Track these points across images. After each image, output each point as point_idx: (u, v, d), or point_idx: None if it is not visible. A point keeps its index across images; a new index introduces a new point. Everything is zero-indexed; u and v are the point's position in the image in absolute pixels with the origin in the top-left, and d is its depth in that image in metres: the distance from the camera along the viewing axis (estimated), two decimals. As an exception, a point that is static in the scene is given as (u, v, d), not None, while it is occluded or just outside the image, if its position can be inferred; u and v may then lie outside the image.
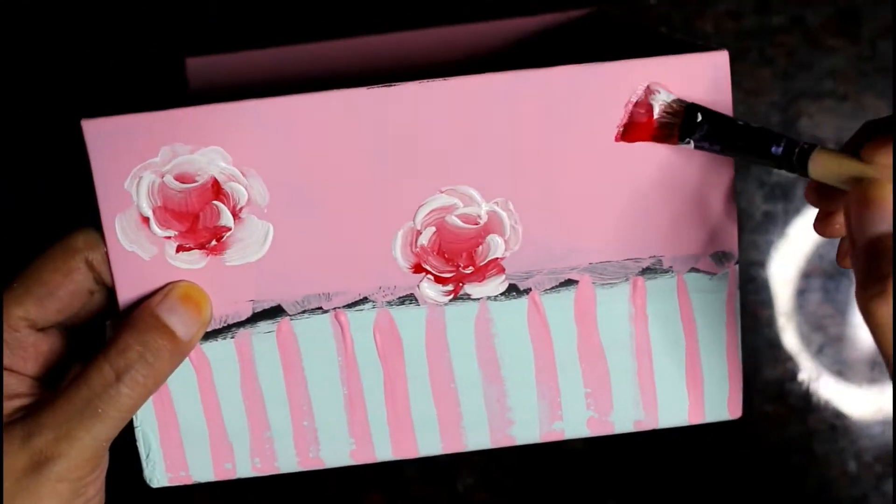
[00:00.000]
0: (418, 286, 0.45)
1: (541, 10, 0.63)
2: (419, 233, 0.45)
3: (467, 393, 0.46)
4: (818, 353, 0.66)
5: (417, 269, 0.45)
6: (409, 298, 0.45)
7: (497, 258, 0.45)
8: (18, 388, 0.44)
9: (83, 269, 0.44)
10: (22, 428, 0.42)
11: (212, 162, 0.43)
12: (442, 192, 0.44)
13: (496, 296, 0.46)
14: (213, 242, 0.44)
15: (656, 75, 0.44)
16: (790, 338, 0.66)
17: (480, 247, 0.45)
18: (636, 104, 0.44)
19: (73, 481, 0.42)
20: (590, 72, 0.44)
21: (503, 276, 0.45)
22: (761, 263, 0.65)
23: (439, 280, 0.45)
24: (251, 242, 0.44)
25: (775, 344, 0.66)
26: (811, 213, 0.62)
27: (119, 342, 0.43)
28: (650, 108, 0.43)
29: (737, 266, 0.46)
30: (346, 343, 0.46)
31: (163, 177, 0.43)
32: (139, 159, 0.43)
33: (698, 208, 0.45)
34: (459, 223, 0.45)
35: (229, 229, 0.44)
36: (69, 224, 0.46)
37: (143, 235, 0.44)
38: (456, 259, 0.45)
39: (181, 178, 0.44)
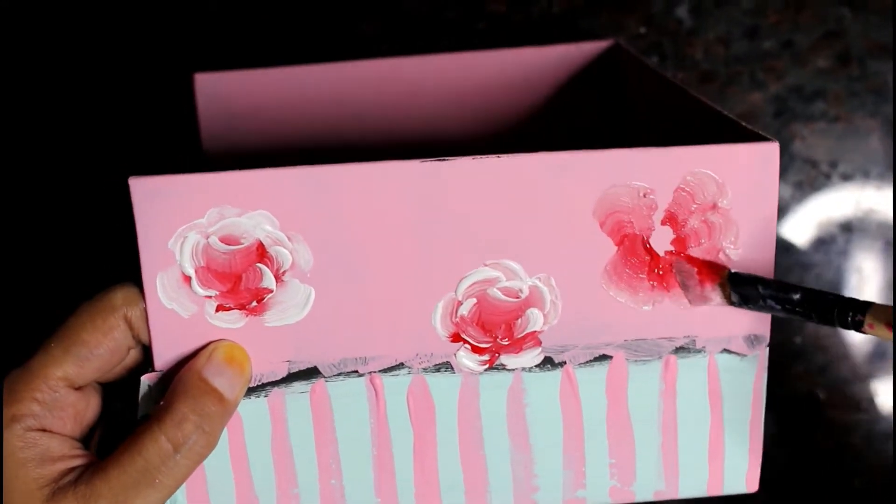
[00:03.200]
0: (455, 355, 0.45)
1: (545, 38, 0.62)
2: (460, 303, 0.45)
3: (495, 459, 0.47)
4: (818, 372, 0.67)
5: (455, 338, 0.45)
6: (445, 366, 0.46)
7: (535, 331, 0.45)
8: (61, 451, 0.43)
9: (122, 327, 0.44)
10: (75, 497, 0.41)
11: (258, 225, 0.43)
12: (486, 266, 0.44)
13: (531, 367, 0.46)
14: (254, 303, 0.44)
15: (707, 162, 0.44)
16: (790, 359, 0.67)
17: (520, 319, 0.45)
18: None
19: None
20: (643, 156, 0.44)
21: (539, 349, 0.46)
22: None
23: (476, 350, 0.45)
24: (292, 305, 0.44)
25: (775, 366, 0.67)
26: (809, 233, 0.63)
27: (174, 413, 0.42)
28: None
29: (767, 349, 0.46)
30: (379, 406, 0.46)
31: (208, 238, 0.43)
32: (185, 220, 0.43)
33: (735, 291, 0.45)
34: (501, 296, 0.45)
35: (271, 291, 0.44)
36: (102, 275, 0.45)
37: (183, 294, 0.44)
38: (494, 330, 0.45)
39: (226, 240, 0.43)
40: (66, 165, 0.64)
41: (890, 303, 0.65)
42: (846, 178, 0.66)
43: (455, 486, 0.47)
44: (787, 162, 0.65)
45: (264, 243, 0.43)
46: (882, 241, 0.66)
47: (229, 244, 0.43)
